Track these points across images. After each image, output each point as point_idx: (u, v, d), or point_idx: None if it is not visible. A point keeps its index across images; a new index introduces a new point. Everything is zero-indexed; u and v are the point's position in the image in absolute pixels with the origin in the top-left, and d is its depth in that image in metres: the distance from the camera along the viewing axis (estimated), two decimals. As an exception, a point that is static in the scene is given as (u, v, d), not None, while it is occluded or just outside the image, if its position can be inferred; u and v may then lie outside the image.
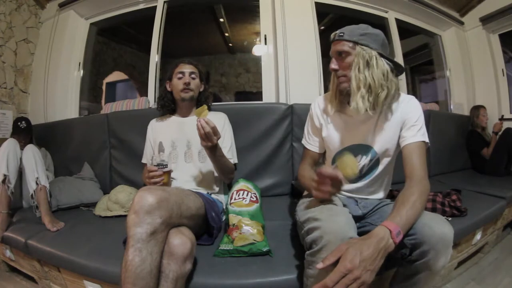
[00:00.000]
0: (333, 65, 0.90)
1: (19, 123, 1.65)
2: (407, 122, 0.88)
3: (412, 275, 0.72)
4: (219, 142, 1.23)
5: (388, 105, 0.88)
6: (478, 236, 1.32)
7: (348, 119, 0.95)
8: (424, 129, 0.88)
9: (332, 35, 0.90)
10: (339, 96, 0.93)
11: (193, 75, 1.28)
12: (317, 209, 0.77)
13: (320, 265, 0.59)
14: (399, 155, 0.91)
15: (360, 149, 0.94)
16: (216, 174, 1.24)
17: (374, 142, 0.92)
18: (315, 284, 0.59)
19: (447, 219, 1.14)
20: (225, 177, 1.25)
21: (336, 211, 0.75)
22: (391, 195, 1.14)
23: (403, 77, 2.41)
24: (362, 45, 0.84)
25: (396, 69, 0.87)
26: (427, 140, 0.87)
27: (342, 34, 0.86)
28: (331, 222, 0.69)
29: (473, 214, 1.20)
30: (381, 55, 0.84)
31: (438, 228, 0.67)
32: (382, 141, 0.91)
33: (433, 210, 1.18)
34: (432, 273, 0.69)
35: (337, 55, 0.88)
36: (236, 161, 1.34)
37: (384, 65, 0.83)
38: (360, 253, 0.58)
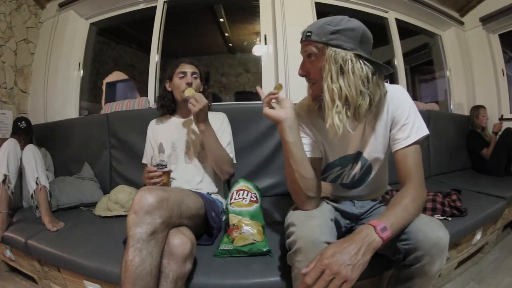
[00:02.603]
0: (300, 70, 0.78)
1: (19, 123, 1.65)
2: (397, 120, 0.78)
3: (407, 279, 0.71)
4: (217, 137, 1.22)
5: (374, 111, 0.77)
6: (478, 236, 1.32)
7: None
8: (417, 122, 0.77)
9: (301, 33, 0.77)
10: (319, 102, 0.81)
11: (194, 75, 1.28)
12: (296, 214, 0.78)
13: (304, 270, 0.60)
14: (391, 154, 0.83)
15: (349, 159, 0.87)
16: (215, 170, 1.23)
17: (364, 148, 0.84)
18: (298, 283, 0.59)
19: (447, 219, 1.14)
20: (223, 168, 1.19)
21: (313, 215, 0.75)
22: (392, 195, 1.13)
23: (403, 77, 2.41)
24: (333, 46, 0.69)
25: (379, 70, 0.73)
26: (424, 133, 0.76)
27: (309, 33, 0.72)
28: (304, 226, 0.70)
29: (473, 214, 1.20)
30: (359, 56, 0.69)
31: (433, 233, 0.65)
32: (373, 147, 0.83)
33: (433, 210, 1.18)
34: (427, 277, 0.68)
35: (307, 57, 0.76)
36: (234, 159, 1.33)
37: (362, 69, 0.69)
38: (338, 249, 0.58)
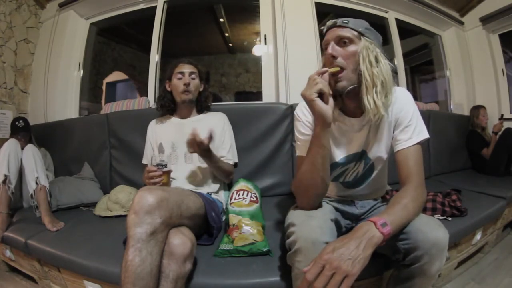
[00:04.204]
0: (332, 50, 0.75)
1: (16, 123, 1.64)
2: (400, 122, 0.80)
3: (407, 279, 0.71)
4: (220, 142, 1.25)
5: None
6: (478, 236, 1.32)
7: (344, 127, 0.85)
8: (419, 125, 0.79)
9: (330, 22, 0.79)
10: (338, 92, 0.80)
11: (193, 75, 1.27)
12: (296, 214, 0.77)
13: (305, 268, 0.59)
14: (392, 154, 0.85)
15: (354, 157, 0.87)
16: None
17: (368, 148, 0.85)
18: (298, 283, 0.59)
19: (447, 219, 1.14)
20: (224, 178, 1.27)
21: (313, 215, 0.75)
22: (392, 196, 1.13)
23: (403, 77, 2.41)
24: (368, 38, 0.75)
25: (394, 73, 0.79)
26: (425, 136, 0.79)
27: (346, 21, 0.76)
28: (304, 226, 0.70)
29: (473, 214, 1.20)
30: (384, 56, 0.76)
31: (432, 233, 0.65)
32: (376, 147, 0.84)
33: (433, 210, 1.18)
34: (427, 277, 0.68)
35: (338, 41, 0.76)
36: (236, 160, 1.34)
37: (387, 65, 0.76)
38: (338, 245, 0.58)
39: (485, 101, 2.47)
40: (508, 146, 2.04)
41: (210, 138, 1.05)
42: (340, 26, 0.76)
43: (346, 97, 0.81)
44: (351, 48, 0.75)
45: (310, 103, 0.69)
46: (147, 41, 2.14)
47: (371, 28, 0.78)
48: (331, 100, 0.71)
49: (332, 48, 0.75)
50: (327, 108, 0.69)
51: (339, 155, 0.88)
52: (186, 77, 1.25)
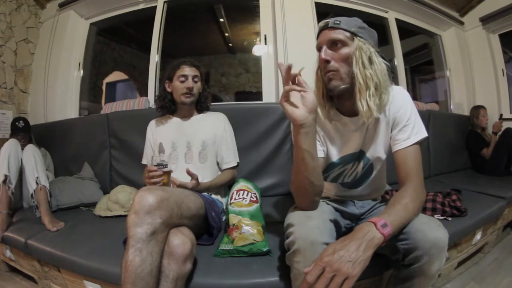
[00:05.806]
0: (325, 55, 0.75)
1: (17, 123, 1.64)
2: (398, 121, 0.79)
3: (407, 279, 0.71)
4: (221, 143, 1.27)
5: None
6: (478, 236, 1.32)
7: (340, 126, 0.84)
8: (418, 124, 0.78)
9: (322, 23, 0.77)
10: (328, 102, 0.81)
11: (195, 79, 1.26)
12: (296, 214, 0.77)
13: (306, 269, 0.59)
14: (391, 154, 0.84)
15: (352, 157, 0.87)
16: (217, 173, 1.27)
17: (367, 148, 0.85)
18: (297, 283, 0.59)
19: (447, 219, 1.14)
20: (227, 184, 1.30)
21: (312, 216, 0.74)
22: (392, 196, 1.13)
23: (403, 77, 2.42)
24: (361, 38, 0.74)
25: (390, 71, 0.78)
26: (423, 135, 0.78)
27: (338, 22, 0.74)
28: (302, 227, 0.70)
29: (473, 214, 1.20)
30: (379, 54, 0.75)
31: (431, 233, 0.65)
32: (375, 146, 0.83)
33: (433, 210, 1.19)
34: (426, 277, 0.68)
35: (330, 44, 0.75)
36: (238, 160, 1.34)
37: (382, 64, 0.74)
38: (339, 246, 0.58)
39: (485, 101, 2.47)
40: (508, 146, 2.04)
41: (196, 181, 1.06)
42: (332, 28, 0.75)
43: (340, 98, 0.80)
44: (344, 50, 0.74)
45: (283, 108, 0.70)
46: (147, 41, 2.14)
47: (365, 26, 0.76)
48: (310, 101, 0.68)
49: (325, 53, 0.75)
50: (294, 110, 0.68)
51: (335, 155, 0.87)
52: (189, 80, 1.24)
